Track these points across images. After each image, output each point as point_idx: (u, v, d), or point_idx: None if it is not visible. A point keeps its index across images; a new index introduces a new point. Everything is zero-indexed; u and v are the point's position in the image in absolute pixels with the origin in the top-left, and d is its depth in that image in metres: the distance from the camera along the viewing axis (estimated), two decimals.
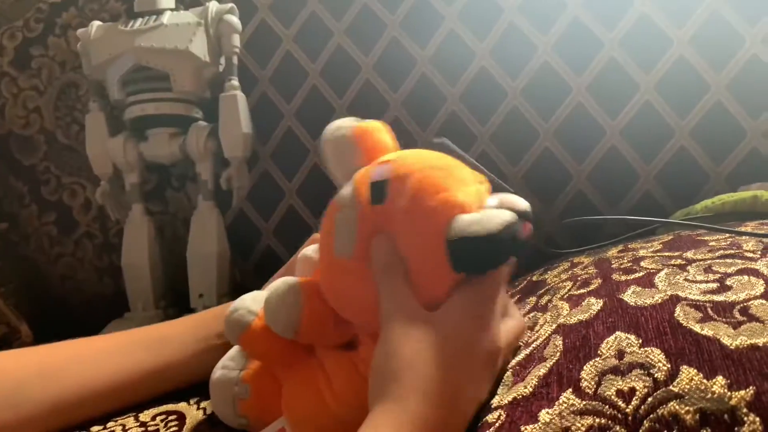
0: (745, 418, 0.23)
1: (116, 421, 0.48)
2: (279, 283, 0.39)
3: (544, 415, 0.28)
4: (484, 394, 0.32)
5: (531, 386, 0.30)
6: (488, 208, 0.33)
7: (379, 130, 0.37)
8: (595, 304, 0.34)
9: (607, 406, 0.26)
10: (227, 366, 0.44)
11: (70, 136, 0.87)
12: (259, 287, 0.47)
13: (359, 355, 0.38)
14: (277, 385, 0.42)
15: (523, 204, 0.34)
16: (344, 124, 0.37)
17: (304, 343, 0.41)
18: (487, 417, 0.31)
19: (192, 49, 0.72)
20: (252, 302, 0.42)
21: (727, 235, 0.42)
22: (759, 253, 0.36)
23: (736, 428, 0.23)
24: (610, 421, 0.26)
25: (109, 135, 0.78)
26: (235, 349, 0.46)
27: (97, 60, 0.74)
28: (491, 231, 0.30)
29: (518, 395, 0.30)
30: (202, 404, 0.51)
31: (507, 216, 0.31)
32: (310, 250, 0.45)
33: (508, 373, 0.33)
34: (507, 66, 0.74)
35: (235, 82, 0.77)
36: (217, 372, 0.44)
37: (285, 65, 0.81)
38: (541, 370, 0.31)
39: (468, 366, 0.32)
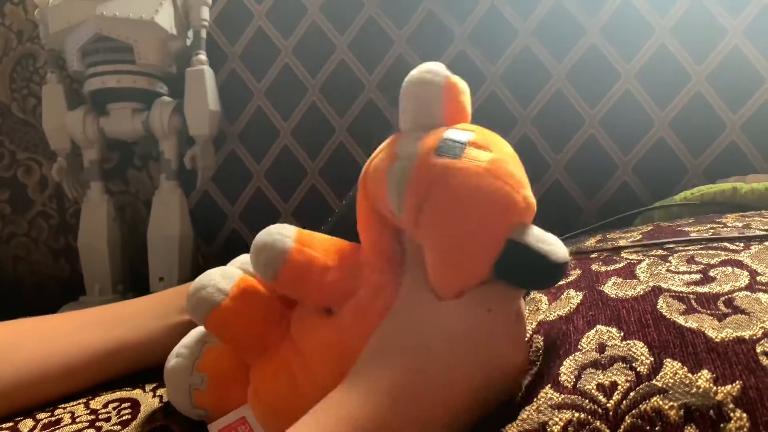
0: (732, 414, 0.22)
1: (65, 408, 0.46)
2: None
3: (522, 411, 0.26)
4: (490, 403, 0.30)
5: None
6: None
7: (467, 94, 0.34)
8: (575, 297, 0.32)
9: (587, 401, 0.25)
10: (181, 354, 0.41)
11: (27, 110, 0.83)
12: None
13: (342, 325, 0.35)
14: (237, 373, 0.40)
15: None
16: (437, 69, 0.32)
17: (281, 291, 0.38)
18: None
19: (157, 20, 0.69)
20: (221, 279, 0.39)
21: (709, 225, 0.41)
22: (742, 244, 0.35)
23: (722, 425, 0.22)
24: (590, 416, 0.24)
25: (67, 108, 0.74)
26: (190, 336, 0.43)
27: (55, 28, 0.70)
28: (558, 258, 0.29)
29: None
30: (159, 391, 0.49)
31: (566, 251, 0.30)
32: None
33: None
34: (486, 50, 0.72)
35: (203, 56, 0.73)
36: (171, 361, 0.42)
37: (256, 42, 0.78)
38: (527, 377, 0.29)
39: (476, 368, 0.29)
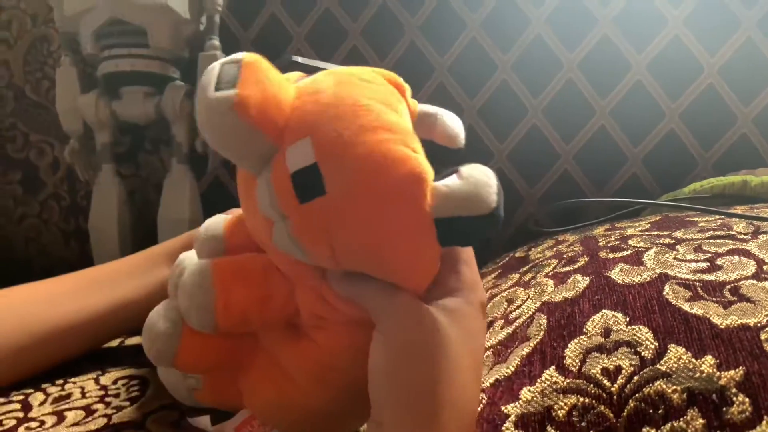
0: (734, 399, 0.23)
1: (75, 383, 0.47)
2: (189, 268, 0.33)
3: (526, 392, 0.26)
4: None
5: (513, 366, 0.29)
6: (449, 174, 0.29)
7: (263, 79, 0.27)
8: (581, 282, 0.32)
9: (591, 385, 0.25)
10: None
11: (40, 93, 0.83)
12: None
13: (318, 346, 0.33)
14: (228, 372, 0.38)
15: (492, 174, 0.30)
16: (222, 98, 0.26)
17: (234, 333, 0.35)
18: None
19: (171, 4, 0.69)
20: (165, 324, 0.35)
21: (717, 216, 0.41)
22: (750, 234, 0.35)
23: (724, 408, 0.23)
24: (594, 401, 0.25)
25: (80, 91, 0.74)
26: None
27: (69, 11, 0.70)
28: (488, 211, 0.27)
29: (500, 376, 0.29)
30: None
31: (494, 189, 0.28)
32: (213, 226, 0.38)
33: (489, 353, 0.32)
34: (498, 38, 0.72)
35: (216, 42, 0.73)
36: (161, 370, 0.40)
37: (269, 28, 0.78)
38: (524, 349, 0.29)
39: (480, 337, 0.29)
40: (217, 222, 0.38)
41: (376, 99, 0.28)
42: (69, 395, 0.45)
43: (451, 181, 0.27)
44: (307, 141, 0.26)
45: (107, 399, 0.46)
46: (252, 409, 0.37)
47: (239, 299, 0.32)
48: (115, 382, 0.48)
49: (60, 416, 0.42)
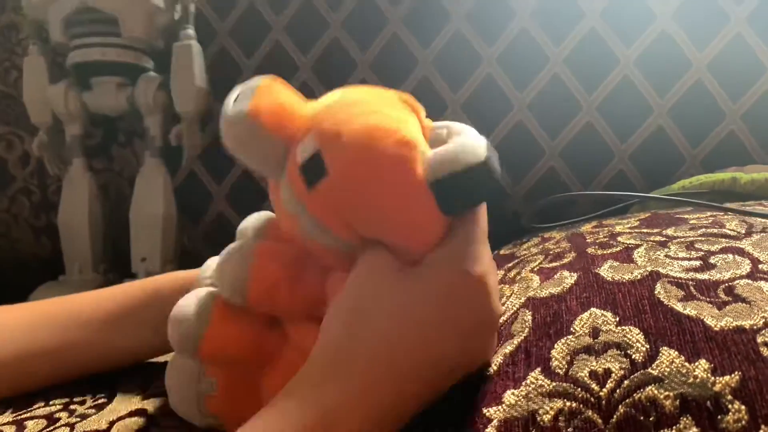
0: (730, 406, 0.22)
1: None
2: (232, 245, 0.35)
3: (509, 396, 0.25)
4: (479, 360, 0.28)
5: (496, 365, 0.27)
6: (438, 135, 0.31)
7: (275, 93, 0.31)
8: (569, 278, 0.31)
9: (579, 389, 0.24)
10: (185, 359, 0.38)
11: (8, 83, 0.80)
12: (209, 255, 0.41)
13: None
14: (248, 374, 0.37)
15: (482, 137, 0.31)
16: (237, 111, 0.30)
17: (259, 311, 0.36)
18: None
19: None
20: (197, 307, 0.36)
21: (709, 213, 0.40)
22: (743, 232, 0.34)
23: (719, 416, 0.21)
24: (581, 405, 0.23)
25: (49, 81, 0.71)
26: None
27: None
28: (479, 160, 0.28)
29: (482, 375, 0.27)
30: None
31: (483, 143, 0.29)
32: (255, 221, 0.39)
33: None
34: (483, 31, 0.70)
35: (191, 31, 0.71)
36: (175, 365, 0.39)
37: (246, 18, 0.75)
38: (508, 347, 0.28)
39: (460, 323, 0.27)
40: (261, 218, 0.39)
41: (378, 101, 0.30)
42: (31, 402, 0.42)
43: (441, 147, 0.29)
44: (310, 136, 0.29)
45: (72, 406, 0.44)
46: None
47: (272, 272, 0.33)
48: (80, 386, 0.46)
49: (20, 426, 0.39)
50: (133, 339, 0.44)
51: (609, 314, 0.27)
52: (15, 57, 0.80)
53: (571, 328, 0.26)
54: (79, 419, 0.42)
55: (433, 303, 0.27)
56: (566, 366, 0.25)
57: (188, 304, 0.36)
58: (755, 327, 0.24)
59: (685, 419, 0.22)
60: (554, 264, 0.33)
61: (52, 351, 0.44)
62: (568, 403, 0.23)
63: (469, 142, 0.29)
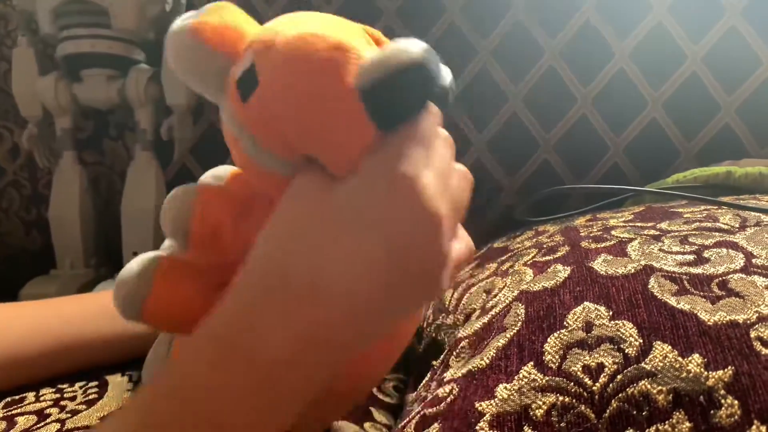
0: (723, 401, 0.21)
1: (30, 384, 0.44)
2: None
3: (502, 390, 0.25)
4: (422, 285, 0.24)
5: (488, 358, 0.27)
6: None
7: (223, 13, 0.29)
8: (562, 272, 0.30)
9: (571, 383, 0.23)
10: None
11: None
12: None
13: None
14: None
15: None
16: (181, 25, 0.28)
17: (204, 260, 0.33)
18: (438, 391, 0.28)
19: None
20: (139, 268, 0.33)
21: (703, 207, 0.40)
22: (737, 226, 0.34)
23: (712, 411, 0.21)
24: (574, 400, 0.23)
25: (39, 73, 0.70)
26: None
27: None
28: (413, 60, 0.24)
29: (474, 368, 0.27)
30: (128, 371, 0.47)
31: (418, 45, 0.25)
32: (218, 171, 0.37)
33: (464, 344, 0.30)
34: (477, 23, 0.69)
35: None
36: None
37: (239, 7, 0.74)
38: (501, 340, 0.27)
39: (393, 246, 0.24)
40: (223, 169, 0.37)
41: (323, 21, 0.28)
42: (22, 399, 0.42)
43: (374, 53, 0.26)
44: (249, 52, 0.27)
45: (62, 402, 0.44)
46: None
47: (216, 209, 0.32)
48: (72, 384, 0.46)
49: (10, 421, 0.39)
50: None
51: (602, 308, 0.26)
52: (4, 49, 0.79)
53: (564, 322, 0.26)
54: (69, 415, 0.41)
55: (361, 213, 0.24)
56: (559, 360, 0.24)
57: (131, 266, 0.33)
58: (749, 321, 0.24)
59: (678, 414, 0.22)
60: (547, 258, 0.33)
61: (48, 353, 0.44)
62: (560, 398, 0.23)
63: (402, 43, 0.25)
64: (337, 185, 0.26)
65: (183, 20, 0.28)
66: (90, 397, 0.44)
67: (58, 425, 0.40)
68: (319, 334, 0.23)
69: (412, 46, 0.25)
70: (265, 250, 0.26)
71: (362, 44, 0.27)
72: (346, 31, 0.27)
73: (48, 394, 0.45)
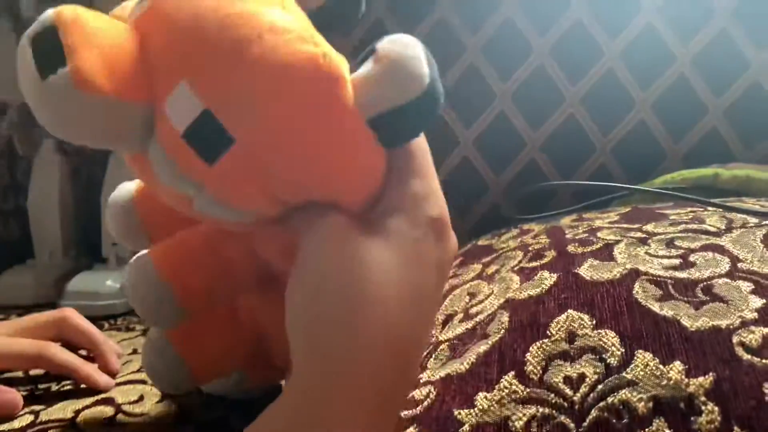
0: (703, 407, 0.21)
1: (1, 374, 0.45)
2: (128, 268, 0.32)
3: (482, 400, 0.24)
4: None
5: (468, 363, 0.27)
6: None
7: (91, 38, 0.21)
8: (548, 279, 0.30)
9: (552, 395, 0.23)
10: None
11: None
12: None
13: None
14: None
15: (414, 42, 0.27)
16: (57, 82, 0.20)
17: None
18: (413, 393, 0.27)
19: None
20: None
21: (689, 208, 0.40)
22: (723, 228, 0.33)
23: (692, 418, 0.21)
24: (554, 411, 0.23)
25: None
26: None
27: None
28: (423, 87, 0.24)
29: (452, 372, 0.27)
30: None
31: (422, 62, 0.25)
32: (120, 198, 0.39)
33: (444, 346, 0.29)
34: (467, 20, 0.69)
35: None
36: None
37: None
38: (482, 347, 0.27)
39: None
40: (125, 191, 0.36)
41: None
42: None
43: (368, 68, 0.24)
44: (182, 87, 0.21)
45: (36, 393, 0.43)
46: None
47: (195, 280, 0.29)
48: (46, 374, 0.45)
49: None
50: None
51: (586, 317, 0.26)
52: None
53: (548, 331, 0.26)
54: (43, 407, 0.41)
55: (404, 255, 0.25)
56: (540, 372, 0.24)
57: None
58: (731, 327, 0.24)
59: (658, 421, 0.21)
60: (534, 264, 0.33)
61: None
62: (541, 409, 0.23)
63: (405, 63, 0.24)
64: (371, 230, 0.25)
65: (48, 67, 0.19)
66: (65, 388, 0.44)
67: (32, 417, 0.39)
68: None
69: (417, 71, 0.24)
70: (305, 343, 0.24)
71: (330, 50, 0.24)
72: (299, 27, 0.24)
73: (21, 385, 0.44)
